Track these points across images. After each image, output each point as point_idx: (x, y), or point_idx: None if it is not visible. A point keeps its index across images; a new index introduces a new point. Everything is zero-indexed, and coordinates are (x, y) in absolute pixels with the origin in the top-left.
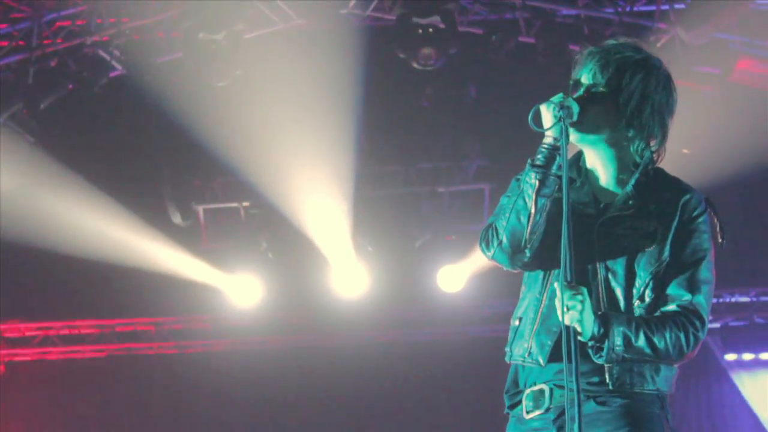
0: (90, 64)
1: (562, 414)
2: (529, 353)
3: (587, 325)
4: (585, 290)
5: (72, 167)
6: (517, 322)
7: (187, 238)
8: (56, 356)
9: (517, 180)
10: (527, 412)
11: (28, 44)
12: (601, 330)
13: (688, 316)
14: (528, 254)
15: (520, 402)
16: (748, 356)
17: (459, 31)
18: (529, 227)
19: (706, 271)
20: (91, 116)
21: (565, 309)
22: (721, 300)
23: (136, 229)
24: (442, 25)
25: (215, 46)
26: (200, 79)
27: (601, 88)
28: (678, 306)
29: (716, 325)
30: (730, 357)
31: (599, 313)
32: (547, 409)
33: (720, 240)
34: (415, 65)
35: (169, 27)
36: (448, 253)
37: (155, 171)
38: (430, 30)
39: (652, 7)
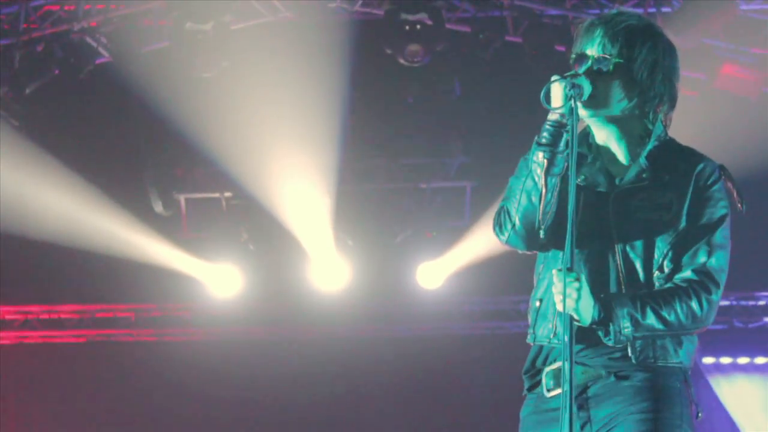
0: (76, 51)
1: (583, 392)
2: (555, 333)
3: (585, 312)
4: (583, 276)
5: (55, 153)
6: (537, 303)
7: (168, 226)
8: (35, 340)
9: (525, 160)
10: (548, 390)
11: (14, 29)
12: (602, 314)
13: (701, 281)
14: (543, 235)
15: (539, 382)
16: (725, 360)
17: (446, 28)
18: (541, 207)
19: (721, 237)
20: (75, 103)
21: (559, 297)
22: None
23: (117, 216)
24: (429, 22)
25: (202, 36)
26: (186, 69)
27: (614, 59)
28: (692, 271)
29: None
30: (708, 360)
31: (601, 297)
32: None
33: (739, 205)
34: (401, 61)
35: (156, 16)
36: (428, 249)
37: (138, 159)
38: (418, 26)
39: (640, 10)
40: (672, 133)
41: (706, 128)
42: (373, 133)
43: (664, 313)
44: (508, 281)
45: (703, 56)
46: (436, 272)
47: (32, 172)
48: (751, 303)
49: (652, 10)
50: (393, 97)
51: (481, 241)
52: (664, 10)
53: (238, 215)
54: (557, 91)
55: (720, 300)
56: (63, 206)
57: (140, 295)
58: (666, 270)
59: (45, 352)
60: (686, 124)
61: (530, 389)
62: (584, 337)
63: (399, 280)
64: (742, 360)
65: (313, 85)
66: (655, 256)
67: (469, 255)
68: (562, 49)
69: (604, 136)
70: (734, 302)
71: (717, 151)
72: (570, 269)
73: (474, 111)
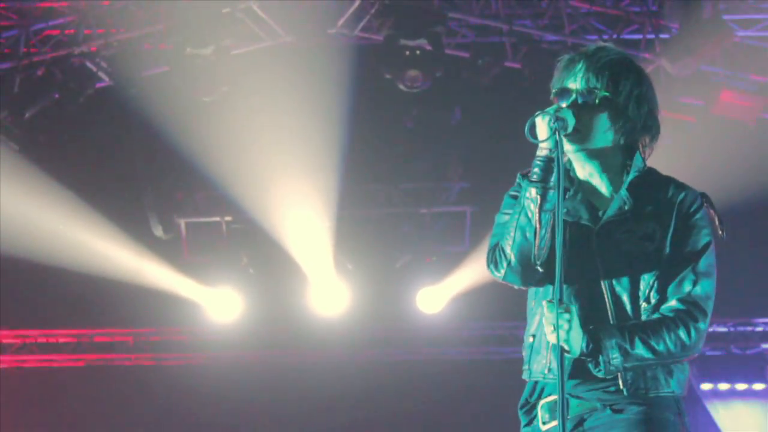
0: (76, 75)
1: (579, 424)
2: (549, 369)
3: (575, 343)
4: (574, 307)
5: (55, 177)
6: (531, 339)
7: (169, 250)
8: (33, 364)
9: (511, 196)
10: (543, 423)
11: (14, 52)
12: (591, 346)
13: (688, 310)
14: (539, 270)
15: (535, 417)
16: (723, 386)
17: (446, 54)
18: (536, 243)
19: (706, 265)
20: (75, 127)
21: (550, 328)
22: None
23: (117, 240)
24: (429, 48)
25: (202, 61)
26: (186, 93)
27: (601, 92)
28: (678, 300)
29: None
30: (706, 386)
31: (589, 329)
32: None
33: (720, 233)
34: (401, 86)
35: (157, 40)
36: (428, 274)
37: (138, 183)
38: (417, 52)
39: (638, 36)
40: (670, 158)
41: (704, 154)
42: (373, 158)
43: (653, 343)
44: (507, 307)
45: (702, 83)
46: (436, 297)
47: (32, 196)
48: (749, 329)
49: (650, 36)
50: (393, 123)
51: (481, 266)
52: (663, 36)
53: (238, 239)
54: (541, 124)
55: (708, 328)
56: (62, 230)
57: (139, 319)
58: (653, 301)
59: (43, 376)
60: (685, 150)
61: (526, 425)
62: (579, 371)
63: (399, 304)
64: (740, 386)
65: (313, 110)
66: (641, 287)
67: (469, 280)
68: (566, 56)
69: (585, 169)
70: (732, 328)
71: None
72: (560, 300)
73: (474, 136)
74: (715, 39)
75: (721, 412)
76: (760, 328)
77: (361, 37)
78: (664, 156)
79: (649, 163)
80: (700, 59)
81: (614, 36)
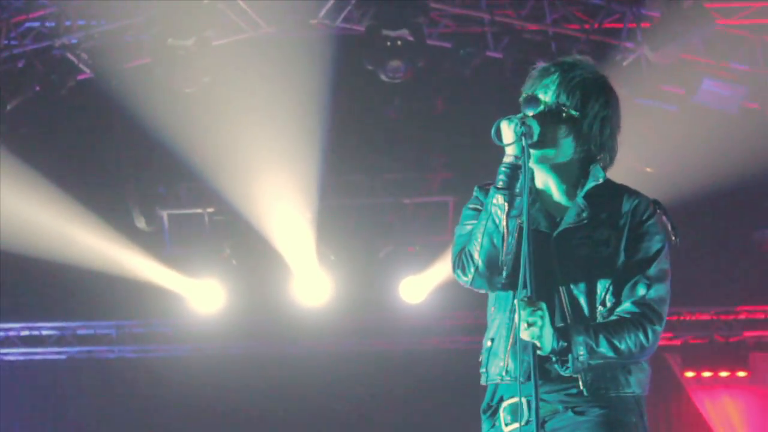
0: (58, 67)
1: (541, 426)
2: (507, 371)
3: (546, 341)
4: (545, 306)
5: (37, 169)
6: (489, 343)
7: (151, 242)
8: (16, 357)
9: (470, 209)
10: (506, 425)
11: None
12: (562, 343)
13: (644, 313)
14: (505, 275)
15: (498, 420)
16: (707, 374)
17: (427, 44)
18: (504, 249)
19: (658, 270)
20: (57, 119)
21: (525, 325)
22: (681, 318)
23: (100, 232)
24: (410, 38)
25: (184, 52)
26: (168, 84)
27: (569, 111)
28: (633, 304)
29: (676, 342)
30: (690, 374)
31: (559, 326)
32: (527, 422)
33: (673, 239)
34: (382, 77)
35: (138, 32)
36: (411, 264)
37: (120, 175)
38: (399, 42)
39: (620, 25)
40: (653, 147)
41: (685, 143)
42: (356, 149)
43: (616, 342)
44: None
45: (683, 71)
46: (419, 287)
47: (14, 189)
48: (732, 317)
49: (632, 25)
50: (375, 113)
51: None
52: (645, 25)
53: (220, 231)
54: (507, 130)
55: (662, 330)
56: (44, 222)
57: (122, 311)
58: (608, 304)
59: (26, 368)
60: (666, 139)
61: (490, 429)
62: (541, 373)
63: (382, 294)
64: (723, 374)
65: (295, 101)
66: (598, 291)
67: (451, 270)
68: (543, 64)
69: (545, 178)
70: (715, 316)
71: (697, 165)
72: (531, 299)
73: (456, 126)
74: (696, 27)
75: (704, 400)
76: (743, 316)
77: (342, 28)
78: (646, 145)
79: (628, 150)
80: (682, 48)
81: (596, 26)
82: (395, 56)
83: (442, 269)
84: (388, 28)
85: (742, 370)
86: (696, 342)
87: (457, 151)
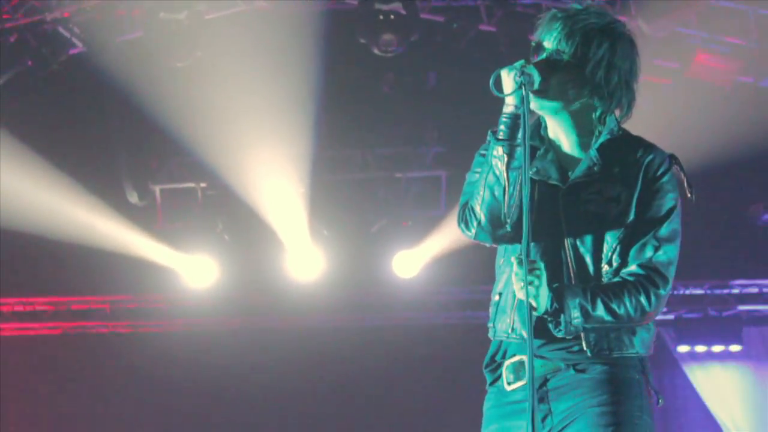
0: (49, 41)
1: (543, 384)
2: (512, 328)
3: (542, 301)
4: (542, 265)
5: (28, 144)
6: (497, 297)
7: (144, 217)
8: (10, 332)
9: (482, 155)
10: (508, 384)
11: None
12: (555, 305)
13: (648, 276)
14: (509, 228)
15: (500, 377)
16: (700, 348)
17: (420, 18)
18: (505, 201)
19: (669, 230)
20: (49, 93)
21: (520, 285)
22: (675, 292)
23: (92, 207)
24: (403, 12)
25: (176, 26)
26: (160, 59)
27: (566, 57)
28: (639, 266)
29: (669, 316)
30: (683, 349)
31: (554, 286)
32: None
33: (689, 195)
34: (375, 51)
35: (130, 5)
36: (403, 238)
37: (112, 150)
38: (392, 16)
39: None
40: (646, 121)
41: (679, 117)
42: (348, 123)
43: (614, 306)
44: (483, 271)
45: (677, 45)
46: (412, 261)
47: (5, 163)
48: (725, 291)
49: None
50: (367, 87)
51: (457, 231)
52: None
53: (213, 206)
54: (507, 78)
55: (669, 293)
56: (37, 197)
57: (116, 286)
58: (614, 264)
59: (20, 344)
60: (660, 113)
61: (492, 383)
62: (543, 331)
63: (374, 269)
64: (717, 348)
65: (288, 75)
66: (604, 250)
67: (444, 244)
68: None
69: (555, 128)
70: (708, 291)
71: (690, 139)
72: (530, 257)
73: (449, 100)
74: (690, 0)
75: (698, 375)
76: (736, 290)
77: (335, 2)
78: (639, 118)
79: (624, 124)
80: (676, 20)
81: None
82: (388, 30)
83: (435, 243)
84: (381, 1)
85: (736, 344)
86: (689, 316)
87: (449, 126)
